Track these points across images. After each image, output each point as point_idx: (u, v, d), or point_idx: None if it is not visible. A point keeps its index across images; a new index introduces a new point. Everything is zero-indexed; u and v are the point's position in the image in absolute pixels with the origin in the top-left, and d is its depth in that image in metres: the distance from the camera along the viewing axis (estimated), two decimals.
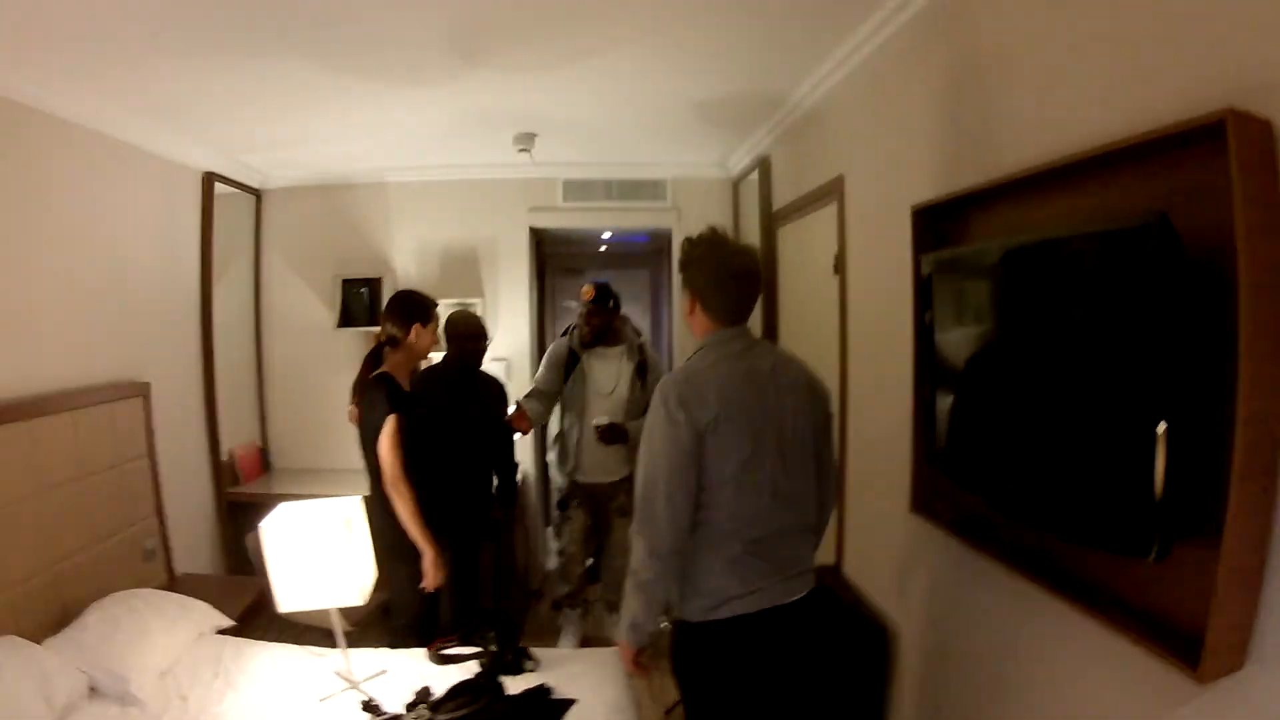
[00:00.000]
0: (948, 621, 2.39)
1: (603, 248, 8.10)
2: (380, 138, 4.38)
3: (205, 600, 3.20)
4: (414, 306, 3.25)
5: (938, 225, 2.34)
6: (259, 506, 4.32)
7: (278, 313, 5.25)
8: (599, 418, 3.94)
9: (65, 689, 2.38)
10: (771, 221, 4.42)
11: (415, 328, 3.19)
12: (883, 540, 2.87)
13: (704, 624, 2.04)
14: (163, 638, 2.83)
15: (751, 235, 4.70)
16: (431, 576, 3.04)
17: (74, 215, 3.36)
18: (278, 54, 2.92)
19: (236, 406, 4.94)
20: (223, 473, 4.66)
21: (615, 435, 3.95)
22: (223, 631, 3.15)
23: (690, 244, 2.18)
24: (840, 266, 3.28)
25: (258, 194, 5.19)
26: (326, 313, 5.19)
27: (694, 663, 2.10)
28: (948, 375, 2.18)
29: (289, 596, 2.63)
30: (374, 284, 5.20)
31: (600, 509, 4.13)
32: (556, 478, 4.19)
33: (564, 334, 4.19)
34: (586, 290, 4.05)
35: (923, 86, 2.51)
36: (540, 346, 5.62)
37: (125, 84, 3.16)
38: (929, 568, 2.53)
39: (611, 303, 4.06)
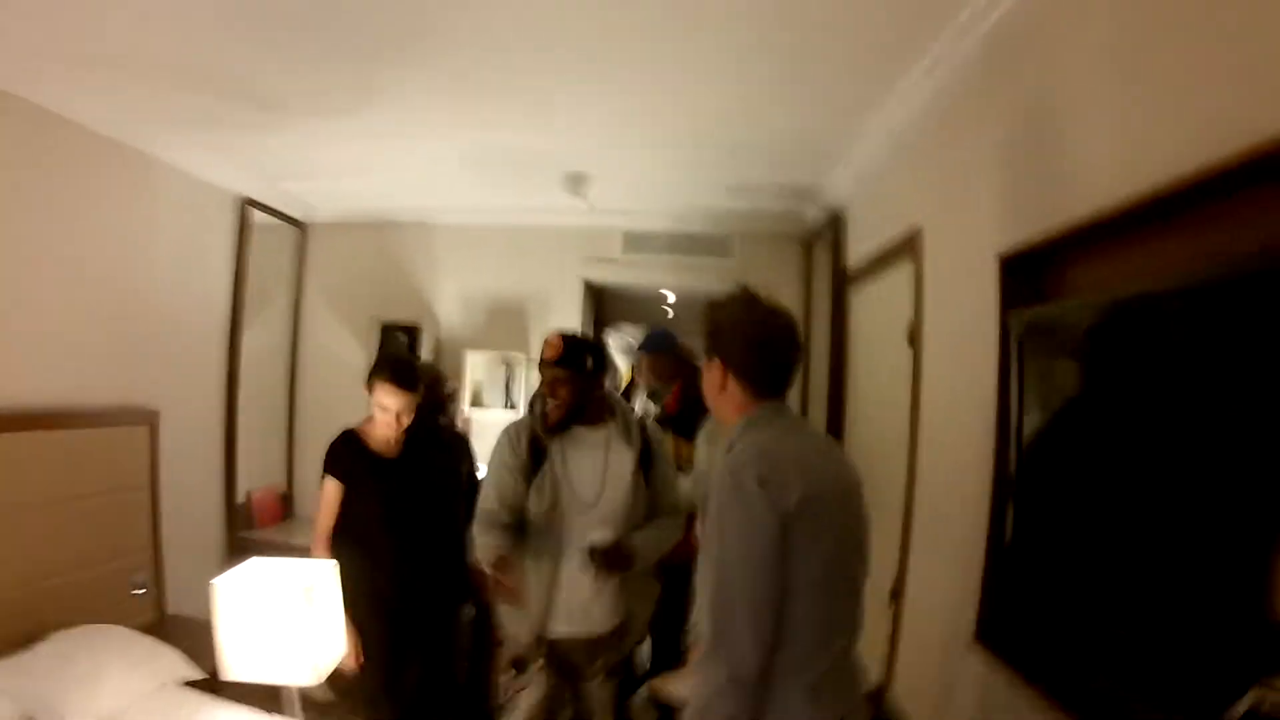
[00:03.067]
0: None
1: (669, 312, 7.26)
2: (426, 171, 4.14)
3: (187, 646, 2.98)
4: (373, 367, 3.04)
5: (1028, 279, 1.88)
6: (272, 552, 4.15)
7: (313, 353, 5.01)
8: (592, 535, 2.50)
9: None
10: (843, 282, 3.89)
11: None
12: (936, 669, 2.31)
13: None
14: (117, 680, 2.67)
15: (822, 299, 4.24)
16: (348, 657, 2.65)
17: (95, 229, 3.33)
18: (321, 70, 2.79)
19: (261, 446, 4.71)
20: (236, 514, 4.41)
21: (618, 561, 2.49)
22: (196, 684, 2.89)
23: (716, 307, 1.80)
24: (915, 336, 2.74)
25: (301, 226, 5.00)
26: (364, 357, 4.86)
27: None
28: (1035, 483, 1.65)
29: (236, 664, 2.28)
30: (413, 331, 4.89)
31: (574, 673, 2.65)
32: (509, 626, 2.67)
33: (529, 408, 2.93)
34: (550, 342, 2.54)
35: (997, 124, 2.13)
36: None
37: (159, 100, 3.06)
38: (985, 712, 1.98)
39: (589, 362, 2.55)
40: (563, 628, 2.54)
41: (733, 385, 1.74)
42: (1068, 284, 1.76)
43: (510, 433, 2.61)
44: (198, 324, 4.09)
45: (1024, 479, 1.81)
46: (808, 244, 4.70)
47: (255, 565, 2.40)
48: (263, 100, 3.07)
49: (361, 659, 2.82)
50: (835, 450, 1.87)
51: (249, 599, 2.26)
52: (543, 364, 2.54)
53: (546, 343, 2.55)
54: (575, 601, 2.53)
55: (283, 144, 3.68)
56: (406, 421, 2.92)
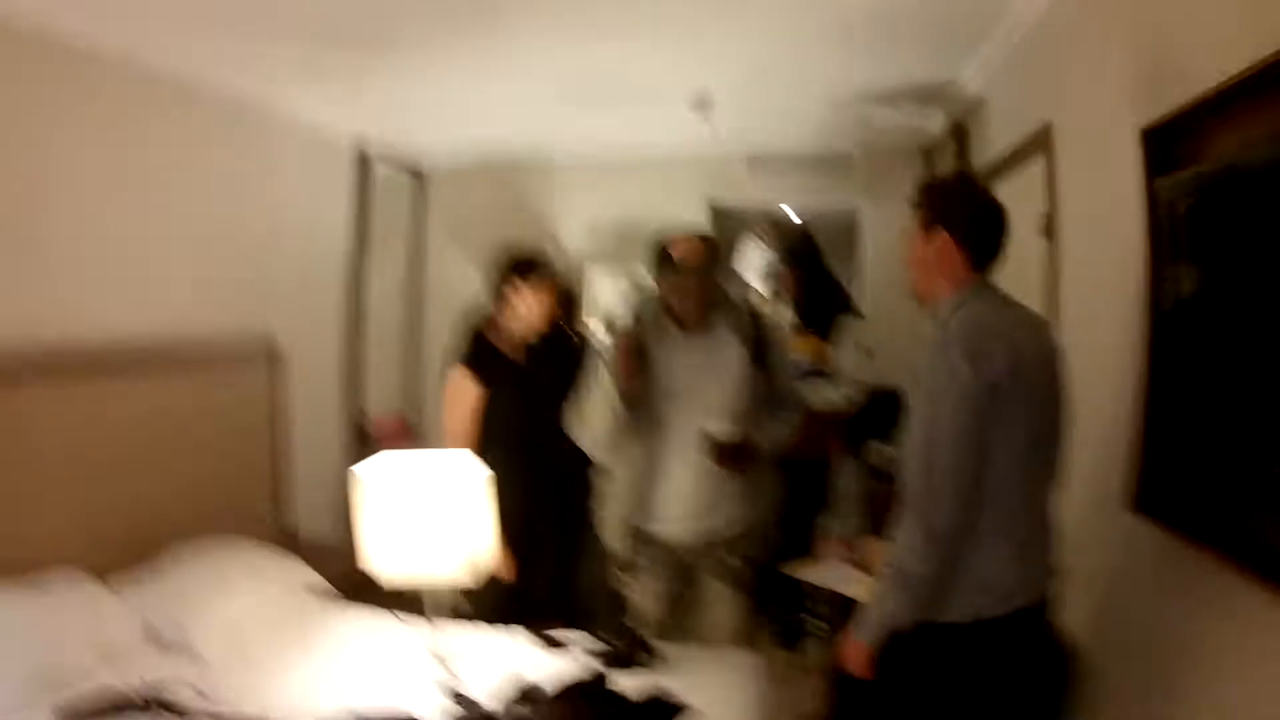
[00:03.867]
0: (1166, 649, 1.86)
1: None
2: (544, 110, 4.19)
3: (314, 559, 3.07)
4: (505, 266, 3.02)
5: (1170, 149, 1.86)
6: None
7: (438, 290, 5.26)
8: (709, 425, 2.44)
9: (117, 630, 2.29)
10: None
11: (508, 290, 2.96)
12: (1091, 542, 2.33)
13: (972, 626, 1.70)
14: (243, 591, 2.65)
15: None
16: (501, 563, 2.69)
17: (219, 182, 3.54)
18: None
19: (386, 380, 5.01)
20: (362, 438, 4.62)
21: (741, 455, 2.47)
22: (322, 594, 2.93)
23: (939, 183, 1.98)
24: (1050, 228, 2.76)
25: (420, 175, 5.22)
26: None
27: (941, 674, 1.76)
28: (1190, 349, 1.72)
29: (382, 563, 2.22)
30: None
31: (685, 573, 2.65)
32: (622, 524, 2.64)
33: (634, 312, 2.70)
34: (683, 243, 2.50)
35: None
36: None
37: (274, 50, 3.13)
38: (1144, 579, 2.02)
39: (719, 260, 2.65)
40: (673, 527, 2.53)
41: (954, 257, 1.81)
42: (1204, 154, 1.72)
43: (622, 331, 2.59)
44: (320, 265, 4.36)
45: (1176, 347, 1.81)
46: (929, 154, 4.63)
47: (391, 457, 2.34)
48: (374, 40, 3.07)
49: (515, 566, 2.81)
50: (1040, 323, 1.98)
51: (394, 489, 2.15)
52: (674, 265, 2.48)
53: (677, 243, 2.50)
54: (687, 499, 2.50)
55: (396, 89, 3.74)
56: (547, 321, 2.93)
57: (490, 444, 2.87)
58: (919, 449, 1.70)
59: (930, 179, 1.91)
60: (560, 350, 3.15)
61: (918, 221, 1.89)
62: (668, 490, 2.52)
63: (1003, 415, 1.65)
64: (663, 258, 2.51)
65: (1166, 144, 1.86)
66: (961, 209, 1.84)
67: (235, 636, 2.47)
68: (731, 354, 2.53)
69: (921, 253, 1.88)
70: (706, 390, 2.50)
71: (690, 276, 2.49)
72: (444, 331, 4.75)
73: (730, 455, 2.44)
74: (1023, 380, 1.67)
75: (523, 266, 2.97)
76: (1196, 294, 1.73)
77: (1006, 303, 1.86)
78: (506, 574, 2.81)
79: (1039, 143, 2.84)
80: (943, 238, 1.82)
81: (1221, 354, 1.61)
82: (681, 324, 2.55)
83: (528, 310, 2.93)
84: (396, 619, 2.66)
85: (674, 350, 2.53)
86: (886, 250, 4.54)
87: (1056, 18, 2.68)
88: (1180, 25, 1.85)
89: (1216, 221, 1.67)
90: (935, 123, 4.33)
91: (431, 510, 2.16)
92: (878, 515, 3.08)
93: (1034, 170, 2.91)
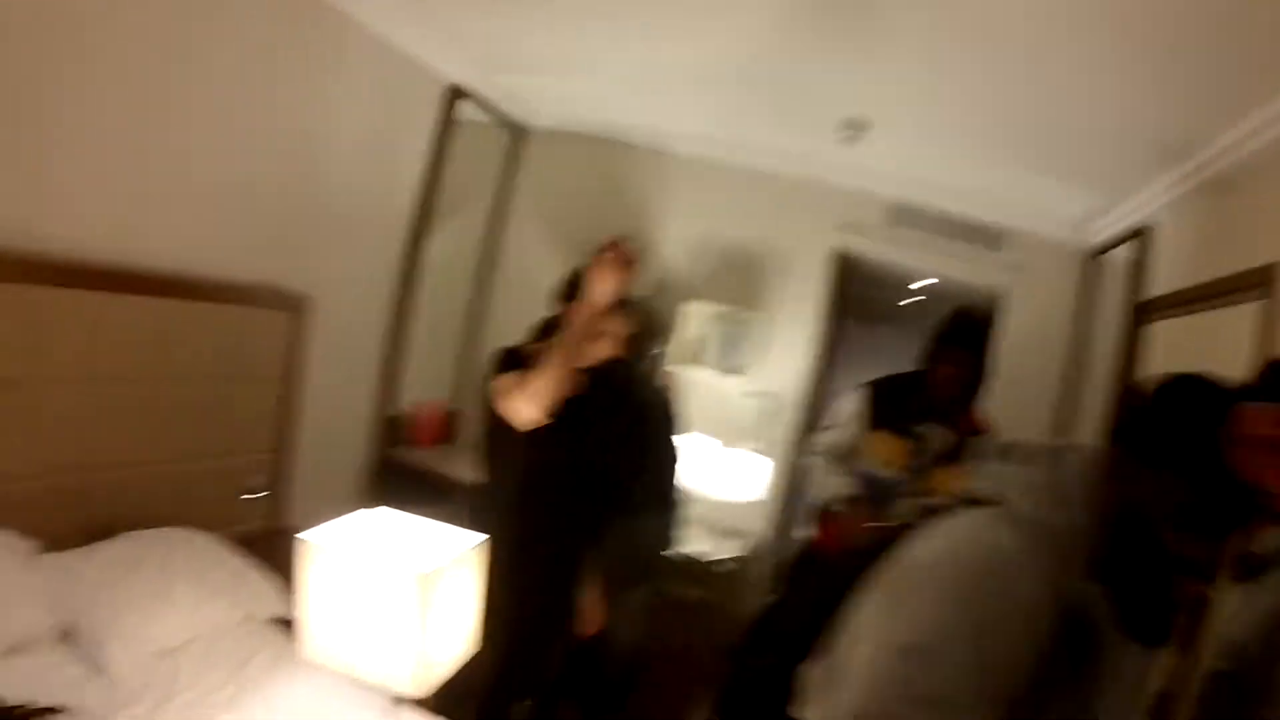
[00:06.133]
0: None
1: (919, 296, 5.82)
2: (667, 84, 3.60)
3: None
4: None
5: None
6: (421, 477, 3.83)
7: (511, 270, 4.60)
8: None
9: (29, 620, 1.90)
10: (1143, 313, 3.26)
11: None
12: None
13: None
14: (181, 609, 2.17)
15: (1105, 327, 3.64)
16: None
17: (273, 93, 2.89)
18: None
19: (433, 362, 4.35)
20: (392, 428, 4.01)
21: None
22: (280, 631, 2.34)
23: None
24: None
25: (515, 129, 4.50)
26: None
27: None
28: None
29: (320, 644, 1.76)
30: None
31: None
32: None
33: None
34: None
35: None
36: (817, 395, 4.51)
37: None
38: None
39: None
40: None
41: None
42: None
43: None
44: (377, 216, 3.64)
45: None
46: (1092, 259, 4.04)
47: (378, 518, 1.88)
48: None
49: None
50: None
51: (349, 571, 1.68)
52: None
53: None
54: None
55: (503, 23, 3.19)
56: (611, 350, 2.31)
57: (500, 484, 2.41)
58: None
59: None
60: (622, 390, 2.47)
61: None
62: None
63: None
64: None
65: None
66: None
67: (153, 666, 2.02)
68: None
69: None
70: None
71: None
72: (511, 322, 3.77)
73: None
74: None
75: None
76: None
77: None
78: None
79: (1257, 279, 2.26)
80: None
81: None
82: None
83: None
84: (352, 687, 2.03)
85: None
86: (1023, 347, 3.99)
87: None
88: None
89: None
90: (1105, 223, 3.71)
91: (381, 605, 1.67)
92: None
93: (1244, 311, 2.33)
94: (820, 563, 2.76)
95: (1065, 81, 2.51)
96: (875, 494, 2.68)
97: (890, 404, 2.79)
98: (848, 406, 2.88)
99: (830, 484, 2.79)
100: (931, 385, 2.72)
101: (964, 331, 2.73)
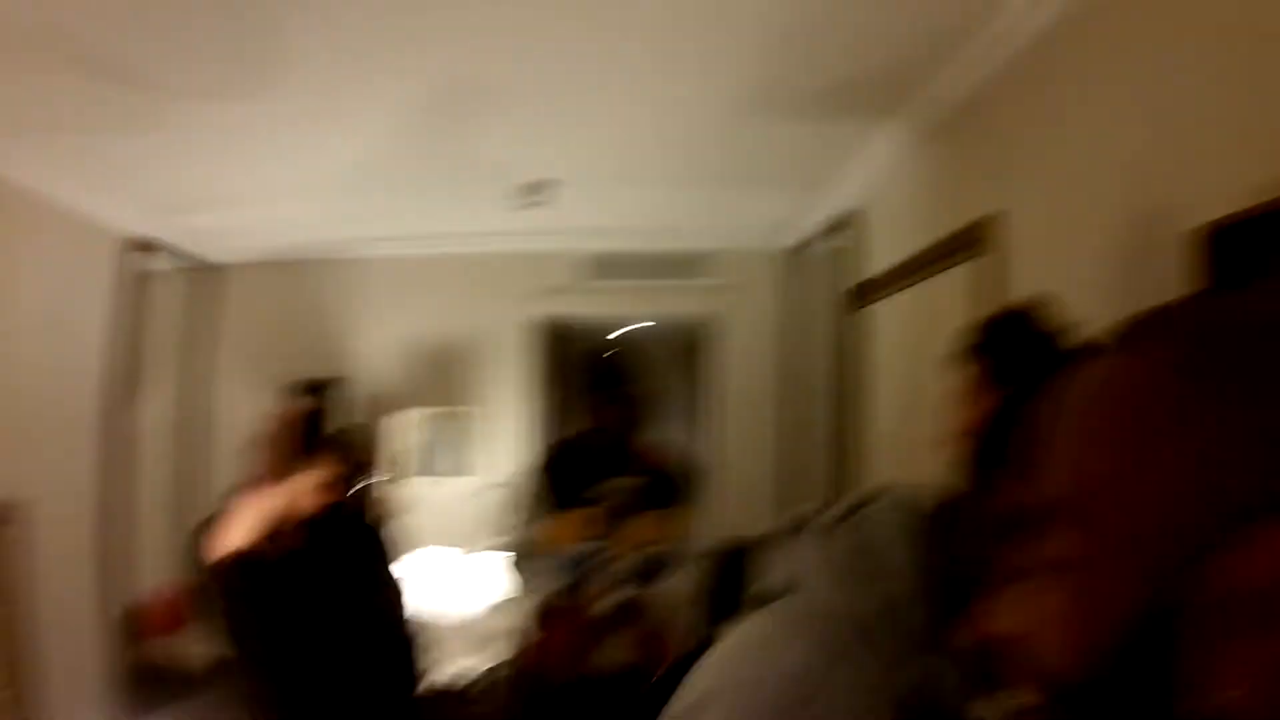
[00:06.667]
0: None
1: (615, 347, 5.74)
2: (351, 196, 3.48)
3: None
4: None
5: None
6: (167, 674, 3.53)
7: (226, 422, 4.14)
8: None
9: None
10: (859, 296, 3.32)
11: None
12: None
13: None
14: None
15: (814, 318, 3.73)
16: None
17: None
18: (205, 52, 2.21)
19: (165, 539, 3.82)
20: (127, 625, 3.61)
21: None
22: None
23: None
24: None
25: (211, 269, 4.24)
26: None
27: None
28: None
29: None
30: (322, 388, 4.03)
31: None
32: None
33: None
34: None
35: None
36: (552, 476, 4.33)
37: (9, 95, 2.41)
38: None
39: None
40: None
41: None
42: None
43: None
44: (72, 394, 3.30)
45: None
46: (794, 258, 4.18)
47: None
48: (140, 93, 2.41)
49: None
50: None
51: None
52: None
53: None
54: None
55: (170, 158, 2.99)
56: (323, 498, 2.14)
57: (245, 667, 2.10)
58: None
59: (990, 318, 1.31)
60: (347, 532, 2.31)
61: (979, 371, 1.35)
62: None
63: None
64: None
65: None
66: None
67: None
68: None
69: (969, 400, 1.37)
70: None
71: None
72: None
73: None
74: None
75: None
76: None
77: None
78: None
79: (967, 239, 2.31)
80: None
81: None
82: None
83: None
84: None
85: None
86: (743, 365, 4.09)
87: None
88: None
89: None
90: (810, 219, 3.82)
91: None
92: None
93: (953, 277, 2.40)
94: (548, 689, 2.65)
95: (736, 95, 2.52)
96: (584, 572, 2.64)
97: (569, 471, 2.77)
98: (522, 499, 2.81)
99: (535, 583, 2.70)
100: (602, 430, 2.78)
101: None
